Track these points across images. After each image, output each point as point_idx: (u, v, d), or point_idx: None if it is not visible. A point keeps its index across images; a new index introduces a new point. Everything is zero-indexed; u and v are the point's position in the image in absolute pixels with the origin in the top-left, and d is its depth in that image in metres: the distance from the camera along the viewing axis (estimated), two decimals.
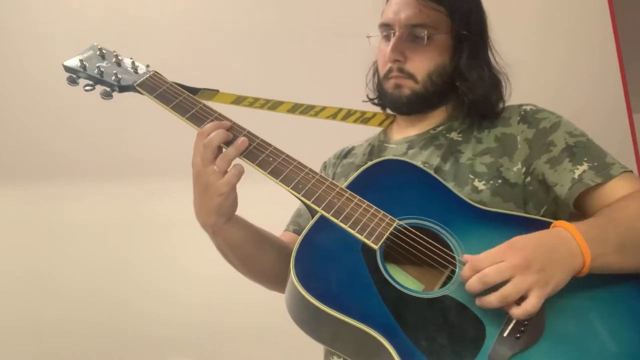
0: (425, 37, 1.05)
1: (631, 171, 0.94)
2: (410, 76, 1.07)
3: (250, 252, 1.04)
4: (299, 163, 0.96)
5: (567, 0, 1.93)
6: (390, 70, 1.08)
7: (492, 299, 0.77)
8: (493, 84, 1.09)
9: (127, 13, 1.90)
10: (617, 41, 1.88)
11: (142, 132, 1.80)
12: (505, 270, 0.76)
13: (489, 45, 1.12)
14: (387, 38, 1.10)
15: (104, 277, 1.79)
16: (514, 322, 0.79)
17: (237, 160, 0.95)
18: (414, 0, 1.06)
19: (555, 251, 0.79)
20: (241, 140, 0.95)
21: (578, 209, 0.94)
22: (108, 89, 1.04)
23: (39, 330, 1.75)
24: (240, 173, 0.93)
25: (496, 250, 0.79)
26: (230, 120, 0.99)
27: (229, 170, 0.92)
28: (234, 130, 0.97)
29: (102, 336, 1.77)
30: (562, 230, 0.82)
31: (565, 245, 0.80)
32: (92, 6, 1.90)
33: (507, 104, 1.09)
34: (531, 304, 0.76)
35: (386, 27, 1.09)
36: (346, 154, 1.24)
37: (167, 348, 1.77)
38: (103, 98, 1.04)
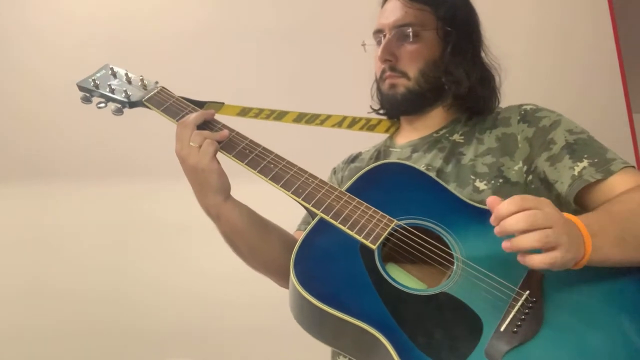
0: (411, 34, 1.08)
1: (633, 166, 0.93)
2: (403, 74, 1.10)
3: (255, 239, 1.07)
4: (299, 169, 0.99)
5: (568, 1, 1.92)
6: (383, 72, 1.12)
7: (535, 236, 0.72)
8: (482, 78, 1.10)
9: (130, 26, 1.93)
10: (617, 41, 1.87)
11: (139, 133, 1.79)
12: (551, 219, 0.73)
13: (478, 40, 1.14)
14: (379, 43, 1.13)
15: (102, 277, 1.80)
16: (511, 316, 0.79)
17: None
18: (400, 4, 1.10)
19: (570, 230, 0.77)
20: (222, 131, 1.01)
21: (580, 205, 0.94)
22: (119, 106, 1.10)
23: (38, 331, 1.76)
24: (213, 144, 0.98)
25: (532, 197, 0.76)
26: (234, 130, 1.03)
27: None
28: (236, 138, 1.02)
29: (102, 336, 1.78)
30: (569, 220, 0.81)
31: (574, 231, 0.78)
32: (93, 14, 1.93)
33: (506, 101, 1.10)
34: (554, 256, 0.73)
35: (378, 33, 1.14)
36: (353, 158, 1.27)
37: (167, 348, 1.77)
38: (114, 114, 1.09)
